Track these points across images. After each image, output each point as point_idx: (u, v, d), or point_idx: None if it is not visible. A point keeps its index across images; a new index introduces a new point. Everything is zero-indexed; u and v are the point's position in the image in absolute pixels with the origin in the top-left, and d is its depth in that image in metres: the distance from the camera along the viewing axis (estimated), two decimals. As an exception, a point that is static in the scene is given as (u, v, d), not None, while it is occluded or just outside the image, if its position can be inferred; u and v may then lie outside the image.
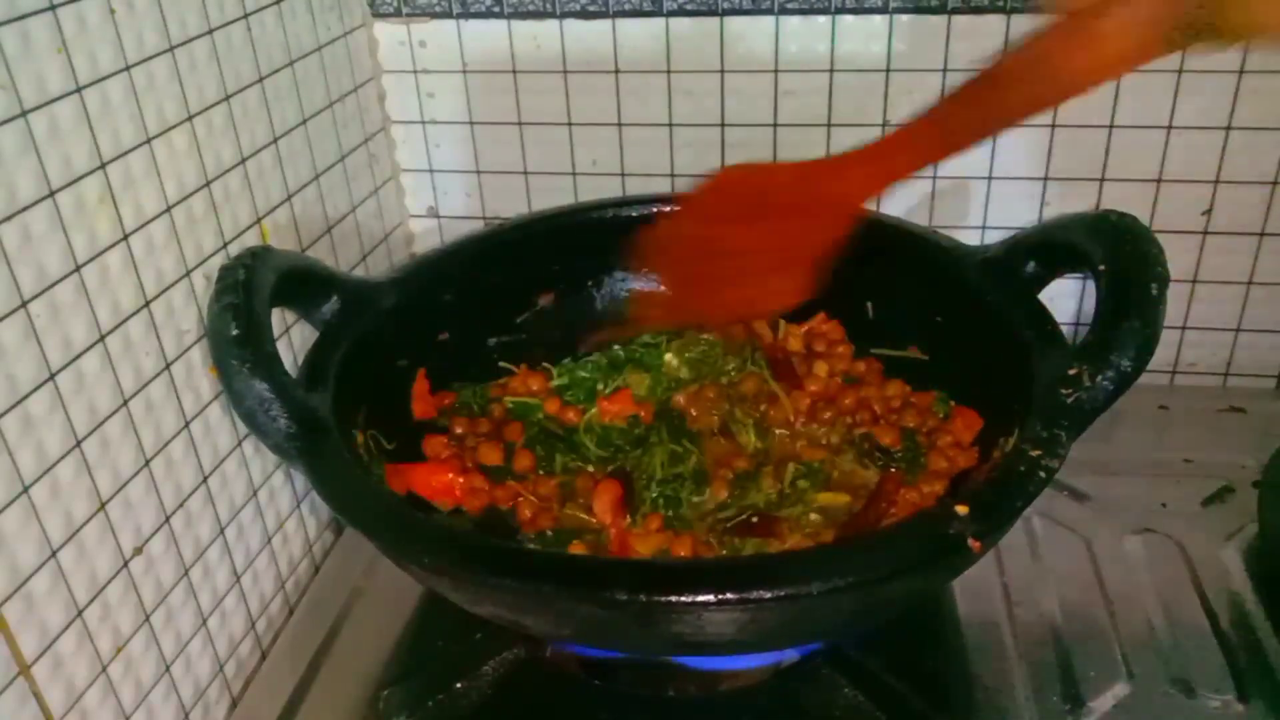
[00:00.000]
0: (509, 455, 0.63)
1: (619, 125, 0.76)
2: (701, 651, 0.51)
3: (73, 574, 0.46)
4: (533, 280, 0.70)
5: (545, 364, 0.69)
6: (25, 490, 0.43)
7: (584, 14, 0.73)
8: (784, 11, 0.71)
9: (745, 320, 0.68)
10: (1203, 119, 0.70)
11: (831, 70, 0.72)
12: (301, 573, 0.66)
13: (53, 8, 0.43)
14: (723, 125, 0.75)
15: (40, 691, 0.44)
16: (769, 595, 0.42)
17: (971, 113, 0.48)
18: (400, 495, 0.57)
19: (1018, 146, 0.72)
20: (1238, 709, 0.52)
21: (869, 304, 0.68)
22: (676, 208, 0.59)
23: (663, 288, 0.59)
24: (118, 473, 0.49)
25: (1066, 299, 0.76)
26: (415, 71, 0.77)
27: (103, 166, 0.47)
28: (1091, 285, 0.53)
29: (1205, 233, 0.73)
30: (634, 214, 0.70)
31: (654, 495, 0.59)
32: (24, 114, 0.42)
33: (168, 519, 0.52)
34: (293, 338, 0.63)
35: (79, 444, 0.46)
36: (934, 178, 0.74)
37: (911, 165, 0.51)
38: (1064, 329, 0.56)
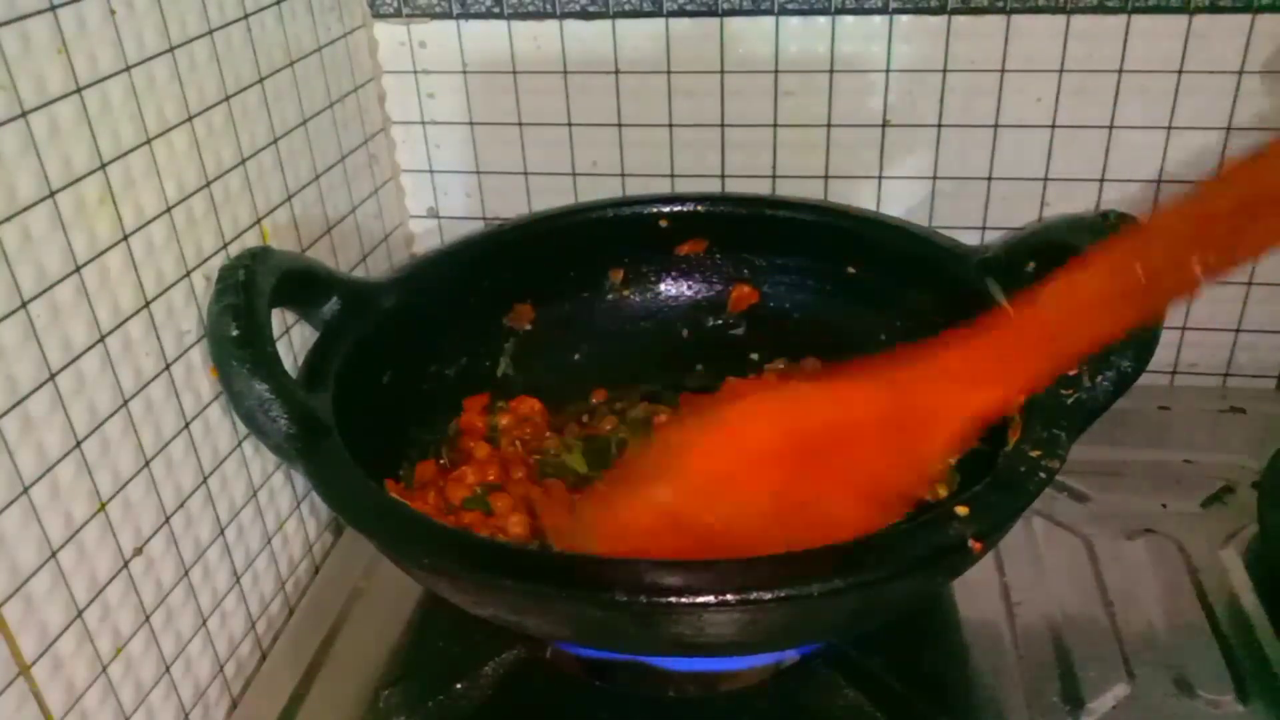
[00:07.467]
0: None
1: (619, 126, 0.76)
2: (702, 652, 0.51)
3: (73, 574, 0.46)
4: (531, 281, 0.70)
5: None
6: (25, 490, 0.43)
7: (584, 14, 0.73)
8: (784, 12, 0.71)
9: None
10: (1203, 119, 0.69)
11: (831, 71, 0.72)
12: (301, 573, 0.66)
13: (53, 8, 0.43)
14: (723, 126, 0.75)
15: (40, 692, 0.44)
16: (769, 596, 0.42)
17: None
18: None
19: (1018, 146, 0.72)
20: (1238, 709, 0.52)
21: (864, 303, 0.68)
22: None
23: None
24: (118, 473, 0.49)
25: (1066, 299, 0.76)
26: (415, 72, 0.77)
27: (103, 167, 0.47)
28: (1091, 286, 0.53)
29: (1205, 233, 0.73)
30: (634, 214, 0.71)
31: None
32: (24, 114, 0.42)
33: (168, 519, 0.52)
34: (293, 338, 0.63)
35: (79, 444, 0.46)
36: (934, 178, 0.74)
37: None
38: (1064, 329, 0.56)
